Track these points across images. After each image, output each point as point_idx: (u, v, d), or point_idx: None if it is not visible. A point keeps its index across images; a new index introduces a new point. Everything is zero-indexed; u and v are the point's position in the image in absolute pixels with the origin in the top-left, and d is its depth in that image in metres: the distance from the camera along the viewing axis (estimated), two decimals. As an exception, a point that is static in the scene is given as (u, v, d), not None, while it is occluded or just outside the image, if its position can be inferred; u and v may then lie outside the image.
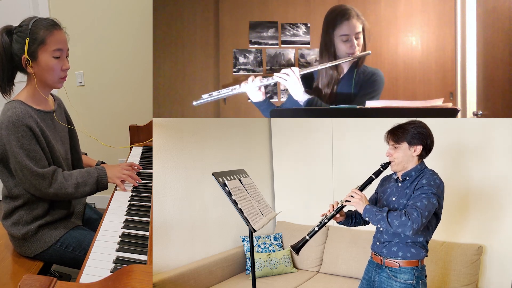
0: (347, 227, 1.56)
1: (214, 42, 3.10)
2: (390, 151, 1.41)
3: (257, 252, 2.54)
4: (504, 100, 2.44)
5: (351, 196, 1.40)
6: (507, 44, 2.39)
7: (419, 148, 1.38)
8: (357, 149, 2.47)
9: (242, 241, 2.58)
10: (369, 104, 1.41)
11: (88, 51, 3.49)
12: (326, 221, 1.45)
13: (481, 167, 2.03)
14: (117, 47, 3.46)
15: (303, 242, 1.46)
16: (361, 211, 1.38)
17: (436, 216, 1.39)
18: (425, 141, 1.38)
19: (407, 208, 1.30)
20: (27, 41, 1.58)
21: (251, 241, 1.51)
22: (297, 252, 1.46)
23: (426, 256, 1.40)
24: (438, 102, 1.37)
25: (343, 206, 1.44)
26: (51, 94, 1.85)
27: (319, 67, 1.59)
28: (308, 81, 1.72)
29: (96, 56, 3.49)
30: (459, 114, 2.48)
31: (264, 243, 2.58)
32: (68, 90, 3.63)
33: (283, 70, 1.55)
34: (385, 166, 1.45)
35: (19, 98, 1.66)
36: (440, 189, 1.34)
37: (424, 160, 1.43)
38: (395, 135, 1.40)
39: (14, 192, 1.68)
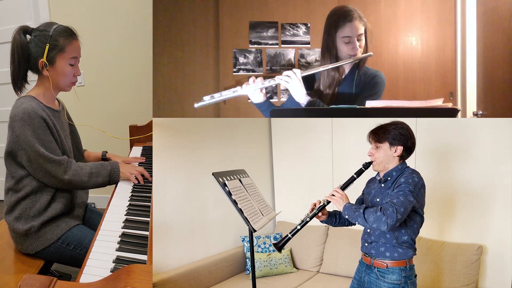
0: (331, 226, 1.58)
1: (214, 42, 3.10)
2: (372, 151, 1.45)
3: (257, 252, 2.54)
4: (504, 100, 2.44)
5: (333, 195, 1.43)
6: (507, 44, 2.39)
7: (400, 149, 1.40)
8: (357, 149, 2.46)
9: (242, 241, 2.58)
10: (369, 104, 1.41)
11: (88, 51, 3.47)
12: (308, 219, 1.46)
13: (482, 166, 2.03)
14: (117, 47, 3.46)
15: (285, 240, 1.46)
16: (341, 209, 1.40)
17: (418, 215, 1.40)
18: (406, 142, 1.41)
19: (383, 204, 1.32)
20: (47, 47, 1.69)
21: (251, 241, 1.51)
22: (279, 250, 1.46)
23: (415, 254, 1.41)
24: (438, 102, 1.37)
25: (325, 205, 1.47)
26: (56, 98, 1.93)
27: (321, 68, 1.59)
28: (309, 82, 1.71)
29: (96, 56, 3.49)
30: (459, 114, 2.48)
31: (264, 243, 2.58)
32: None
33: (285, 72, 1.55)
34: (366, 165, 1.47)
35: (31, 95, 1.75)
36: (417, 187, 1.35)
37: (406, 160, 1.45)
38: (377, 135, 1.43)
39: (21, 184, 1.72)
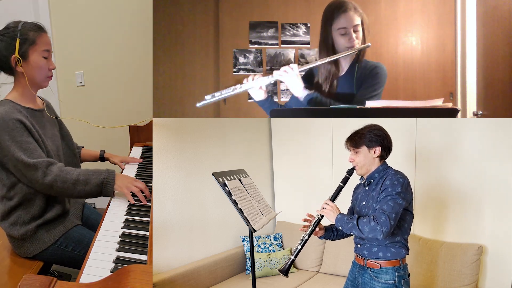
0: (331, 240, 1.59)
1: (214, 42, 3.10)
2: (352, 157, 1.48)
3: (257, 252, 2.54)
4: (504, 100, 2.44)
5: (324, 208, 1.44)
6: (507, 44, 2.39)
7: (378, 149, 1.43)
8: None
9: (242, 241, 2.58)
10: (369, 104, 1.41)
11: (88, 51, 3.49)
12: (307, 237, 1.48)
13: (482, 167, 2.03)
14: (117, 47, 3.46)
15: (290, 263, 1.48)
16: (333, 221, 1.41)
17: (408, 213, 1.41)
18: (383, 142, 1.44)
19: (375, 212, 1.34)
20: (17, 41, 1.65)
21: (251, 241, 1.51)
22: (286, 274, 1.48)
23: (408, 253, 1.42)
24: (438, 102, 1.37)
25: (319, 219, 1.48)
26: (38, 96, 1.89)
27: (318, 62, 1.56)
28: (309, 78, 1.71)
29: (96, 56, 3.49)
30: (459, 114, 2.48)
31: (264, 243, 2.58)
32: (68, 90, 3.64)
33: (282, 68, 1.53)
34: (350, 172, 1.50)
35: (8, 98, 1.71)
36: (404, 187, 1.36)
37: (386, 160, 1.47)
38: (353, 141, 1.46)
39: (10, 192, 1.69)
